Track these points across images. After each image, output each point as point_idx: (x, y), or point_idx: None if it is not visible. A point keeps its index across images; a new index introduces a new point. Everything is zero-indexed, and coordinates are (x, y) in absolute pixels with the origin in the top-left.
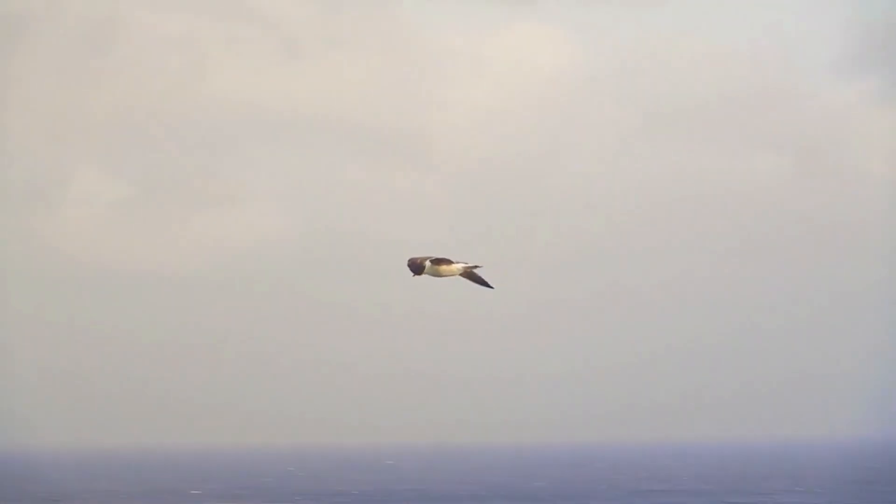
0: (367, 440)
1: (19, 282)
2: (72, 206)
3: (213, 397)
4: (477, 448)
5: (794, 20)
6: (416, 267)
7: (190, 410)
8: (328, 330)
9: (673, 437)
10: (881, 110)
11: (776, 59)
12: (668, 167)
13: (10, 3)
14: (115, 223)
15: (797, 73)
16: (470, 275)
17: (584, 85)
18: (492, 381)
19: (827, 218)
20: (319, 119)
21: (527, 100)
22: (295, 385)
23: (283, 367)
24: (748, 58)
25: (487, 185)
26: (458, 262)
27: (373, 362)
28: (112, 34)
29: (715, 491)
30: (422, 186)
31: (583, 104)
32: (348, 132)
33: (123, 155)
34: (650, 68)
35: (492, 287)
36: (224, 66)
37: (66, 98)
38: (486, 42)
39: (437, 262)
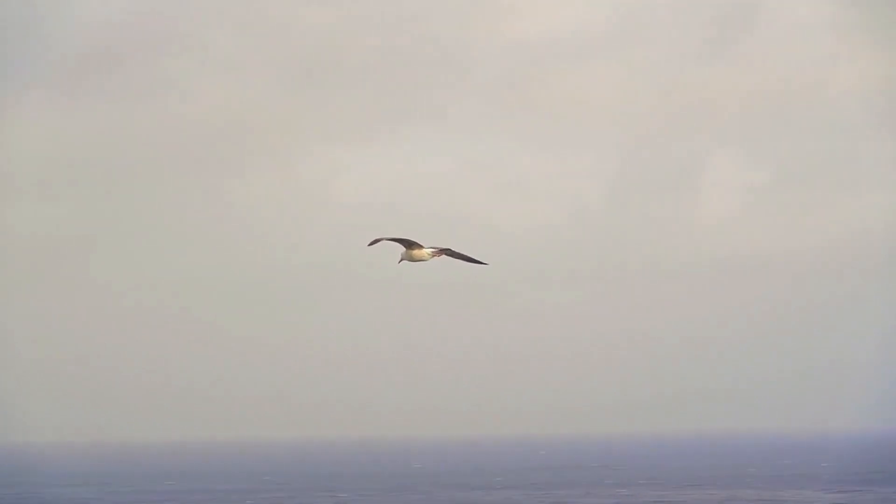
0: None
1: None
2: (709, 192)
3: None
4: None
5: None
6: (373, 242)
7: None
8: None
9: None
10: None
11: None
12: None
13: None
14: (753, 210)
15: None
16: (453, 254)
17: None
18: None
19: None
20: None
21: None
22: None
23: None
24: None
25: None
26: (427, 248)
27: None
28: (749, 20)
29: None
30: None
31: None
32: None
33: (759, 140)
34: None
35: (485, 263)
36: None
37: (708, 84)
38: None
39: (409, 245)
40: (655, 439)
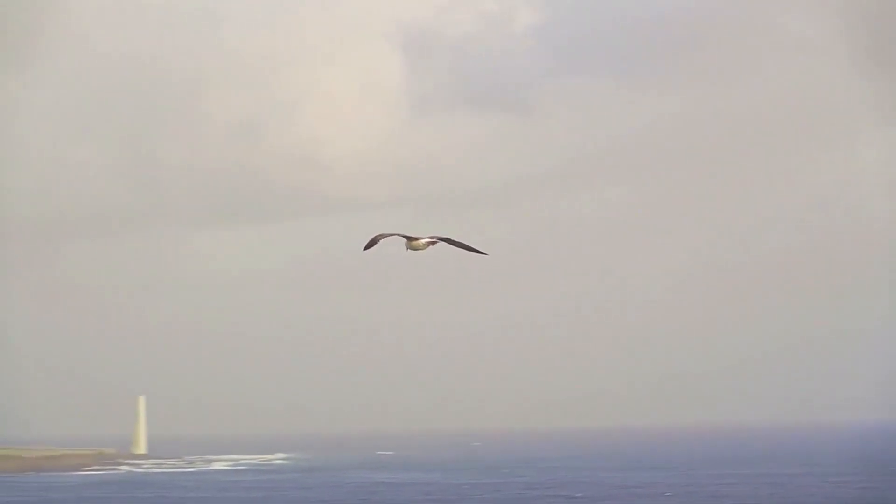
0: None
1: None
2: None
3: None
4: None
5: None
6: (370, 243)
7: None
8: None
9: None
10: None
11: None
12: None
13: None
14: None
15: None
16: (452, 243)
17: None
18: None
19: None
20: None
21: None
22: None
23: None
24: None
25: None
26: (421, 238)
27: None
28: None
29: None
30: None
31: None
32: None
33: None
34: None
35: (484, 253)
36: None
37: None
38: None
39: (408, 238)
40: None
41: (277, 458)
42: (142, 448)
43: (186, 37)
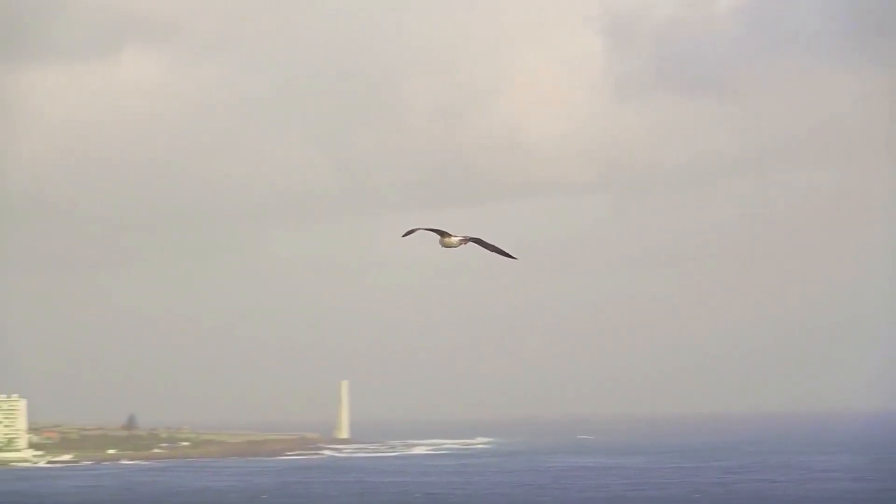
0: None
1: None
2: None
3: None
4: None
5: None
6: (408, 232)
7: None
8: None
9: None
10: None
11: None
12: None
13: None
14: None
15: None
16: (483, 244)
17: None
18: None
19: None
20: None
21: None
22: None
23: None
24: None
25: None
26: (455, 237)
27: None
28: None
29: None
30: None
31: None
32: None
33: None
34: None
35: (514, 257)
36: None
37: None
38: None
39: (442, 233)
40: None
41: (478, 443)
42: (344, 433)
43: (390, 23)
